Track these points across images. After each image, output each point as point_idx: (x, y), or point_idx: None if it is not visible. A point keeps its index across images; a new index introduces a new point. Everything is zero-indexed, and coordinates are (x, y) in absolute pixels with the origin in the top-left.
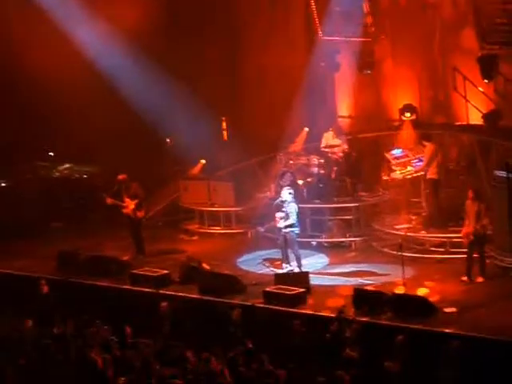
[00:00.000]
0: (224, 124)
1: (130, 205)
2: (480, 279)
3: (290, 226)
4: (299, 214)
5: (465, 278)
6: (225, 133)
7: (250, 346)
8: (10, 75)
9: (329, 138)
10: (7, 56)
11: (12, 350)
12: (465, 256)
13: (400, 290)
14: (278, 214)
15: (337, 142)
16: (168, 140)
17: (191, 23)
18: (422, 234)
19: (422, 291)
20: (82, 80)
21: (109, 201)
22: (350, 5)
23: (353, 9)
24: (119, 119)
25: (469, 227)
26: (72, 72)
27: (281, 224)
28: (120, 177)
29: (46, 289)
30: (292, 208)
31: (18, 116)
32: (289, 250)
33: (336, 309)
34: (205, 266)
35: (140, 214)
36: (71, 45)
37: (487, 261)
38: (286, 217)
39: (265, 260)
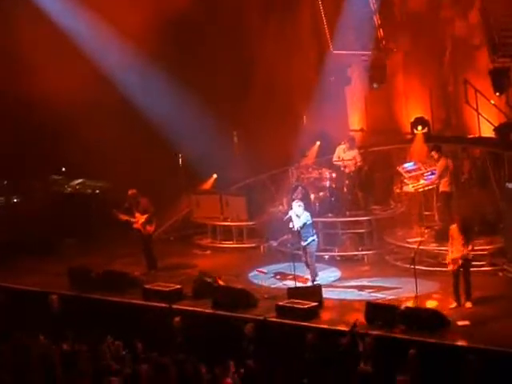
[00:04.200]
0: (236, 138)
1: (139, 219)
2: (469, 304)
3: (310, 237)
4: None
5: (454, 305)
6: (236, 147)
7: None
8: (24, 91)
9: (341, 152)
10: (21, 73)
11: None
12: (477, 269)
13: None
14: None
15: (349, 155)
16: (180, 155)
17: (202, 36)
18: (435, 247)
19: (434, 304)
20: (94, 94)
21: (120, 216)
22: (361, 18)
23: (364, 22)
24: (131, 134)
25: (456, 253)
26: (84, 87)
27: (302, 241)
28: (130, 192)
29: (57, 304)
30: (305, 218)
31: (30, 131)
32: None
33: (349, 323)
34: (218, 280)
35: (150, 228)
36: (83, 60)
37: (500, 273)
38: (302, 228)
39: (277, 274)
